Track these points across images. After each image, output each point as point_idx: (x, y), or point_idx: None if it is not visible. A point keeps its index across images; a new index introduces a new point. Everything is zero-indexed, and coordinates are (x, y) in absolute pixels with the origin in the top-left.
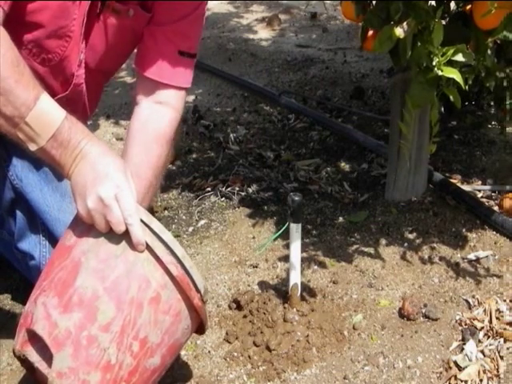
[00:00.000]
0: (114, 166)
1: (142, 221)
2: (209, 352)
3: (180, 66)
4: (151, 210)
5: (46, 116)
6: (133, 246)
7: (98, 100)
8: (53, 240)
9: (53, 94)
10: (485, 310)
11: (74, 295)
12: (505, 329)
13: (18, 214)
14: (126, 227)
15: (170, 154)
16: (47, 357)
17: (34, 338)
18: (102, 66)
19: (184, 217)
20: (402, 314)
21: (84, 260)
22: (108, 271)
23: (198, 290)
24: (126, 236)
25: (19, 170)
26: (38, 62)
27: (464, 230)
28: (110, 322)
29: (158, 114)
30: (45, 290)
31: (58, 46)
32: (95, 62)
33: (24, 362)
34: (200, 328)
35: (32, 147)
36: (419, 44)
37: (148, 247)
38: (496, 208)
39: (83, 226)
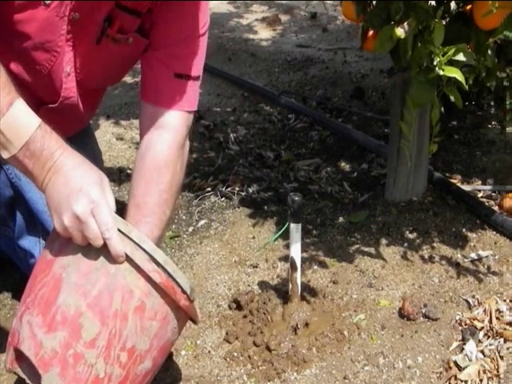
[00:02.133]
0: (89, 179)
1: (120, 231)
2: (209, 352)
3: (178, 88)
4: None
5: (18, 123)
6: (112, 258)
7: (95, 109)
8: None
9: (43, 104)
10: (485, 310)
11: (57, 314)
12: (505, 329)
13: (18, 212)
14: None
15: (175, 177)
16: (36, 373)
17: (23, 356)
18: (100, 85)
19: (184, 217)
20: (402, 314)
21: (65, 275)
22: (89, 286)
23: (184, 292)
24: (105, 248)
25: None
26: (27, 72)
27: (464, 230)
28: (95, 338)
29: (157, 140)
30: (29, 307)
31: (46, 59)
32: (93, 83)
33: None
34: (192, 320)
35: (4, 155)
36: (420, 44)
37: (128, 258)
38: (496, 208)
39: (62, 239)
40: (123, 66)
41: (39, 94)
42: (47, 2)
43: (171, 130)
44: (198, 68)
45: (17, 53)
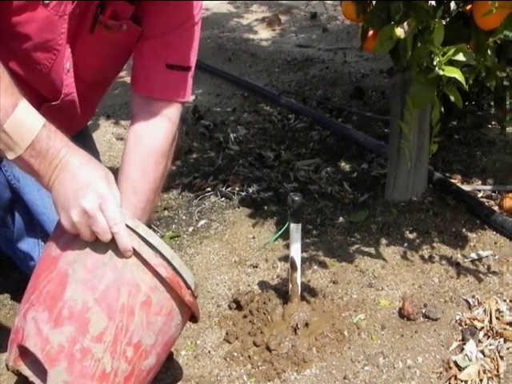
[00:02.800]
0: (96, 175)
1: (127, 226)
2: (209, 352)
3: (170, 79)
4: (148, 225)
5: (23, 124)
6: (120, 252)
7: (94, 108)
8: None
9: (44, 101)
10: (485, 310)
11: (63, 308)
12: (505, 329)
13: (17, 214)
14: (112, 235)
15: (167, 167)
16: (41, 370)
17: (27, 352)
18: (97, 77)
19: (184, 217)
20: (402, 314)
21: (71, 271)
22: (96, 281)
23: (188, 287)
24: (112, 243)
25: (17, 169)
26: (27, 72)
27: (464, 230)
28: (102, 332)
29: (153, 127)
30: (34, 304)
31: (46, 58)
32: (90, 75)
33: (21, 373)
34: (193, 318)
35: (10, 156)
36: (420, 44)
37: (135, 252)
38: (496, 208)
39: (67, 236)
40: (119, 54)
41: (40, 93)
42: (46, 2)
43: (167, 118)
44: (190, 58)
45: (16, 53)
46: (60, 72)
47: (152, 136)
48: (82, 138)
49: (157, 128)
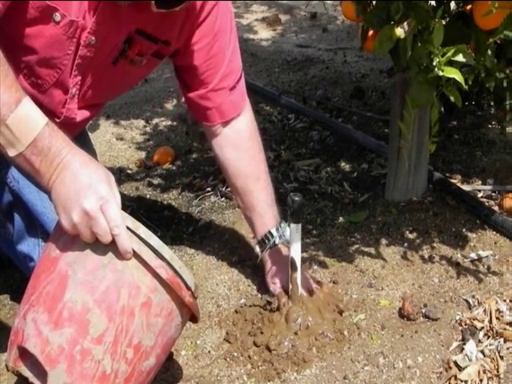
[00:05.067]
0: (97, 177)
1: (128, 228)
2: (209, 352)
3: (236, 95)
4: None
5: (27, 120)
6: (120, 254)
7: (94, 116)
8: None
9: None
10: (485, 310)
11: (63, 310)
12: (505, 329)
13: (16, 216)
14: (112, 237)
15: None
16: (41, 372)
17: (27, 353)
18: (105, 100)
19: (184, 217)
20: (402, 314)
21: (71, 272)
22: (96, 282)
23: (188, 288)
24: (112, 245)
25: (16, 171)
26: (28, 83)
27: (464, 230)
28: (102, 334)
29: (240, 124)
30: (33, 305)
31: (48, 74)
32: (95, 101)
33: (20, 374)
34: (193, 318)
35: (11, 152)
36: (419, 44)
37: (135, 254)
38: (496, 208)
39: (67, 237)
40: (131, 84)
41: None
42: (57, 20)
43: (246, 114)
44: (240, 65)
45: (20, 64)
46: (61, 93)
47: (246, 130)
48: (79, 137)
49: (243, 127)
